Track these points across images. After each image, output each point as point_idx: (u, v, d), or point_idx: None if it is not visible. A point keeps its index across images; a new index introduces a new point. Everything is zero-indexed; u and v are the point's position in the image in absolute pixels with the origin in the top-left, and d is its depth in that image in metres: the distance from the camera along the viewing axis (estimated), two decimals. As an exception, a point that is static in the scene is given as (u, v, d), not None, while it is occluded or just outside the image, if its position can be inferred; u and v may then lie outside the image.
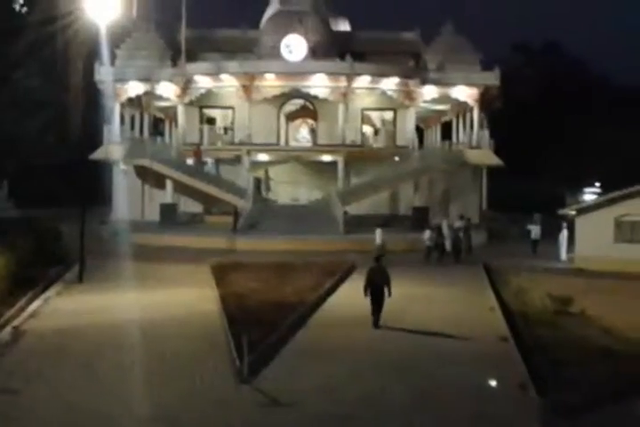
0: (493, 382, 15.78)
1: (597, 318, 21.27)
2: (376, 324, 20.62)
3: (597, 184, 68.68)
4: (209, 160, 49.43)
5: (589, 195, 60.61)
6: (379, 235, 35.79)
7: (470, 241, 37.26)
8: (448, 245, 35.29)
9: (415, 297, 24.74)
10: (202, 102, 50.54)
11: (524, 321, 20.73)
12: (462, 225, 36.98)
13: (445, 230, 35.82)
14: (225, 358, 17.09)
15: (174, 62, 48.56)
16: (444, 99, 50.25)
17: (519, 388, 15.20)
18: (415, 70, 49.31)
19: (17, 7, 40.18)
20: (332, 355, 17.80)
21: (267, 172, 48.90)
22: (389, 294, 20.78)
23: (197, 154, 47.25)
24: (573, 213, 34.58)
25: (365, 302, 21.08)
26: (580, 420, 13.81)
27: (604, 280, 28.93)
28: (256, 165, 48.50)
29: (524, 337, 18.92)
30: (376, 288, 20.75)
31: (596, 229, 33.01)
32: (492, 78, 49.01)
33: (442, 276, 30.37)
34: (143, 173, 48.52)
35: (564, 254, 35.61)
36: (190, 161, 48.45)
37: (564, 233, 35.80)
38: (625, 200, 32.55)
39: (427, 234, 35.43)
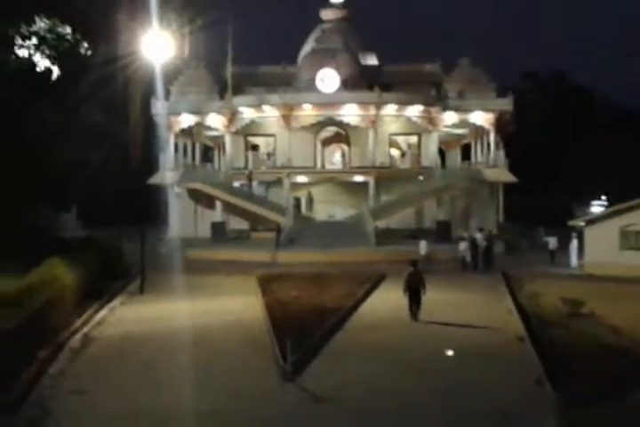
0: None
1: (606, 318, 21.00)
2: (415, 317, 21.65)
3: (603, 197, 67.76)
4: (254, 183, 49.73)
5: (596, 207, 59.84)
6: (423, 246, 34.77)
7: (493, 252, 36.84)
8: (480, 255, 34.92)
9: (441, 302, 24.47)
10: (246, 131, 51.03)
11: (538, 322, 20.55)
12: (484, 237, 36.25)
13: (480, 242, 35.31)
14: (270, 359, 17.10)
15: (221, 96, 49.27)
16: (464, 124, 50.46)
17: (536, 383, 15.05)
18: (437, 98, 49.43)
19: (82, 51, 40.75)
20: (365, 354, 17.78)
21: (310, 193, 49.55)
22: (424, 293, 21.85)
23: (250, 178, 47.98)
24: (582, 224, 34.36)
25: (394, 306, 21.18)
26: (592, 411, 13.62)
27: (611, 284, 28.60)
28: (296, 186, 48.93)
29: (539, 337, 18.74)
30: (414, 288, 21.81)
31: (603, 239, 32.79)
32: (506, 104, 49.25)
33: (465, 283, 30.18)
34: (195, 195, 49.08)
35: (574, 262, 35.33)
36: (238, 183, 49.08)
37: (574, 242, 35.55)
38: (629, 212, 32.34)
39: (462, 246, 35.05)
